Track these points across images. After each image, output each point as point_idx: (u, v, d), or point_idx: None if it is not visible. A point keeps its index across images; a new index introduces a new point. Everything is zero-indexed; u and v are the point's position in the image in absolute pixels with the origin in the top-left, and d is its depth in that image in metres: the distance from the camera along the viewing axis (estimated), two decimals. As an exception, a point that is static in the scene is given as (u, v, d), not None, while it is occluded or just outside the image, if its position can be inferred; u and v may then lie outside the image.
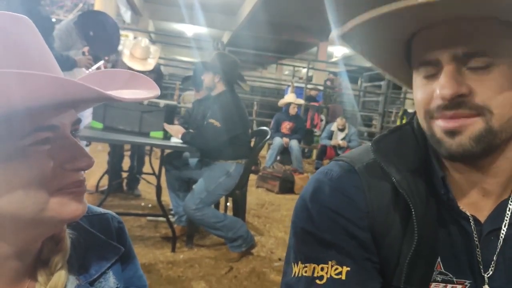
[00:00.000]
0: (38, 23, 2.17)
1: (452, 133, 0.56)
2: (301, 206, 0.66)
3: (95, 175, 4.22)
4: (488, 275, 0.61)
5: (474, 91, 0.54)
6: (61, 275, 0.51)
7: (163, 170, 3.06)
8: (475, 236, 0.61)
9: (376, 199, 0.62)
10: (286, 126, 6.43)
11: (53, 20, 3.49)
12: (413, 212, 0.59)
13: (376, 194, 0.62)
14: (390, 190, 0.62)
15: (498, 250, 0.61)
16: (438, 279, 0.61)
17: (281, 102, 6.76)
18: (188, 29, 14.34)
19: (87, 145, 3.29)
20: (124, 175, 4.19)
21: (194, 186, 2.91)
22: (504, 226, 0.62)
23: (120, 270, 0.61)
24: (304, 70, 10.68)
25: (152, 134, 2.95)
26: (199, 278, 2.54)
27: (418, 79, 0.60)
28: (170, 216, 3.02)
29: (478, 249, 0.61)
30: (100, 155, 4.87)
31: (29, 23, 0.48)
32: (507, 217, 0.62)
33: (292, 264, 0.63)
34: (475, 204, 0.63)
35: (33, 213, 0.45)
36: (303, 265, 0.61)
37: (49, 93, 0.38)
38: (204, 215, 2.75)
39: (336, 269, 0.59)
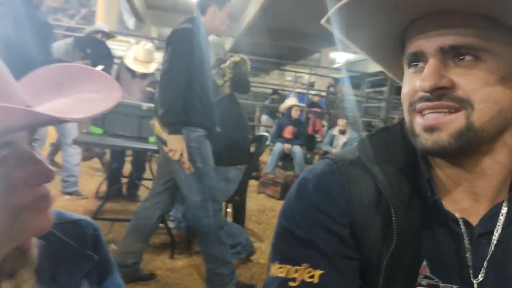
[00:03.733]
0: (37, 28, 2.17)
1: (431, 129, 0.55)
2: (285, 204, 0.65)
3: (95, 181, 4.21)
4: (478, 281, 0.58)
5: (457, 85, 0.53)
6: None
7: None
8: (466, 238, 0.59)
9: (357, 197, 0.60)
10: (288, 130, 6.41)
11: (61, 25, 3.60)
12: (393, 213, 0.58)
13: (358, 192, 0.61)
14: (373, 189, 0.60)
15: (489, 255, 0.59)
16: (423, 283, 0.58)
17: (283, 106, 6.74)
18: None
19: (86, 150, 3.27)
20: (124, 180, 4.17)
21: (193, 192, 2.88)
22: (496, 231, 0.59)
23: (96, 280, 0.58)
24: (307, 76, 10.67)
25: (151, 139, 2.94)
26: (197, 285, 2.51)
27: (406, 72, 0.59)
28: (169, 222, 2.99)
29: (468, 253, 0.59)
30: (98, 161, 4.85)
31: None
32: (500, 221, 0.59)
33: (271, 264, 0.62)
34: (467, 209, 0.60)
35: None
36: (279, 265, 0.60)
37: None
38: (203, 221, 2.72)
39: (310, 271, 0.57)
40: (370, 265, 0.59)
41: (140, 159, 4.06)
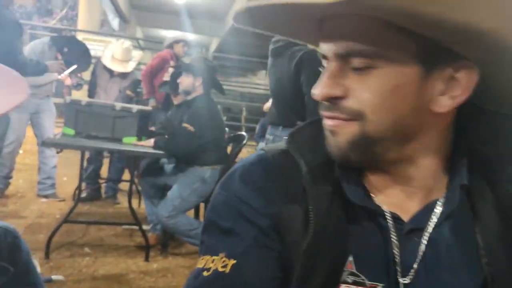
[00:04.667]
0: (5, 26, 2.12)
1: (332, 132, 0.55)
2: (213, 195, 0.63)
3: (74, 183, 4.14)
4: (405, 281, 0.55)
5: (351, 93, 0.52)
6: None
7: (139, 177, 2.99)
8: (393, 234, 0.56)
9: (284, 188, 0.58)
10: (272, 131, 6.37)
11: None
12: (310, 207, 0.55)
13: (285, 184, 0.59)
14: (300, 181, 0.58)
15: (420, 254, 0.55)
16: (349, 280, 0.55)
17: (266, 106, 6.70)
18: (176, 36, 14.30)
19: (58, 153, 3.20)
20: (102, 181, 4.10)
21: (168, 193, 2.84)
22: (426, 230, 0.56)
23: None
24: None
25: (125, 140, 2.89)
26: (170, 288, 2.46)
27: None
28: (144, 225, 2.94)
29: (396, 249, 0.55)
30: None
31: None
32: (433, 218, 0.56)
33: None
34: (400, 205, 0.58)
35: None
36: (201, 257, 0.58)
37: None
38: (177, 223, 2.68)
39: (224, 261, 0.55)
40: (292, 259, 0.56)
41: (116, 159, 3.99)
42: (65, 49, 3.65)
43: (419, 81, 0.50)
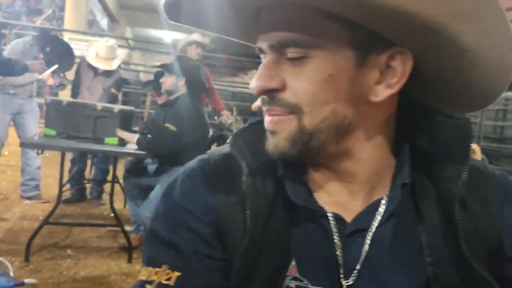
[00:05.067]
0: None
1: (272, 132, 0.53)
2: (155, 204, 0.61)
3: (57, 185, 4.08)
4: (348, 283, 0.53)
5: (288, 86, 0.51)
6: None
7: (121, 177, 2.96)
8: (336, 235, 0.54)
9: (226, 193, 0.56)
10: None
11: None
12: (247, 212, 0.53)
13: (226, 188, 0.57)
14: (241, 185, 0.56)
15: (363, 255, 0.53)
16: (292, 285, 0.53)
17: (255, 105, 6.68)
18: (166, 35, 14.22)
19: (38, 154, 3.16)
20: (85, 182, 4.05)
21: (151, 193, 2.81)
22: (370, 230, 0.54)
23: None
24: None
25: (107, 140, 2.85)
26: (153, 289, 2.43)
27: None
28: (126, 226, 2.91)
29: (339, 251, 0.53)
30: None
31: None
32: (376, 218, 0.54)
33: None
34: (343, 204, 0.56)
35: None
36: (144, 268, 0.56)
37: None
38: (159, 224, 2.65)
39: (168, 273, 0.53)
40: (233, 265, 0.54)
41: (100, 160, 3.94)
42: (47, 49, 3.60)
43: (354, 69, 0.49)
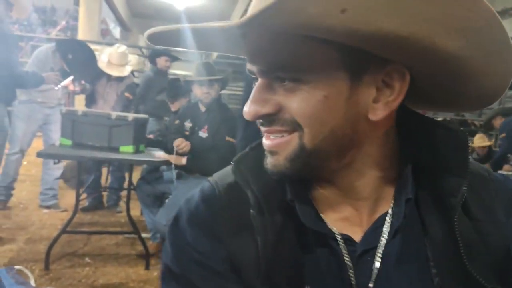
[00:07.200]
0: (1, 40, 2.14)
1: (271, 152, 0.53)
2: (166, 238, 0.61)
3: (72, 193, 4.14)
4: None
5: (284, 108, 0.49)
6: None
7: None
8: (346, 256, 0.53)
9: (233, 226, 0.55)
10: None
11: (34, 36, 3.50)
12: (259, 241, 0.52)
13: (234, 220, 0.56)
14: (248, 215, 0.55)
15: (375, 272, 0.53)
16: None
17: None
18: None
19: (55, 163, 3.21)
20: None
21: (166, 201, 2.83)
22: (380, 246, 0.54)
23: None
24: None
25: (122, 148, 2.88)
26: (170, 296, 2.44)
27: None
28: (144, 234, 2.93)
29: (351, 271, 0.53)
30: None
31: None
32: (384, 234, 0.54)
33: None
34: (349, 220, 0.55)
35: None
36: None
37: None
38: (175, 231, 2.66)
39: None
40: None
41: (116, 168, 3.99)
42: (69, 56, 3.63)
43: (349, 89, 0.48)
